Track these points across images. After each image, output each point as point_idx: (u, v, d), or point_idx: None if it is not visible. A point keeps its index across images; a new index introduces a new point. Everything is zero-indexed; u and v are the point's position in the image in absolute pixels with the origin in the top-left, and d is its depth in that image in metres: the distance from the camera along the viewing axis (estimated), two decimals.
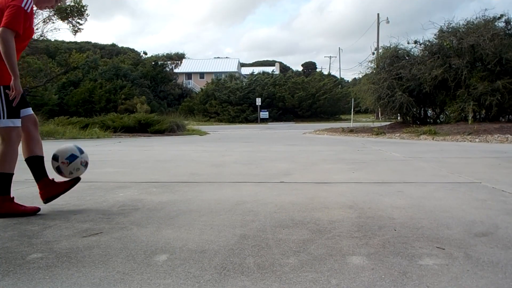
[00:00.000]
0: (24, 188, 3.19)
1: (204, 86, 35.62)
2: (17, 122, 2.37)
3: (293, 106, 30.98)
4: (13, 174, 2.41)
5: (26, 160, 2.50)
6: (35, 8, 2.47)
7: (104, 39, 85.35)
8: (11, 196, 2.41)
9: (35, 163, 2.50)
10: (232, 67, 50.43)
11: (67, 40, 37.28)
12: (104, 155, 6.32)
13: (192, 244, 1.82)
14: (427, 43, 11.89)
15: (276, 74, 37.56)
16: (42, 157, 2.53)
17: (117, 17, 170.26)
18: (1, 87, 2.30)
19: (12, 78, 2.25)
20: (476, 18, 11.15)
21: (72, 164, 2.55)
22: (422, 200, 2.71)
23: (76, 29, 15.41)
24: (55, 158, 2.55)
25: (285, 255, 1.68)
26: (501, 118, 11.09)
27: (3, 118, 2.31)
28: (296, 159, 5.39)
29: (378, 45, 24.67)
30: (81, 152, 2.63)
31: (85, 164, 2.65)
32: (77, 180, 2.61)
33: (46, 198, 2.51)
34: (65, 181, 2.57)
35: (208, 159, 5.53)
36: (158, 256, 1.67)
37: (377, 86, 12.02)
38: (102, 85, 27.23)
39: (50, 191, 2.51)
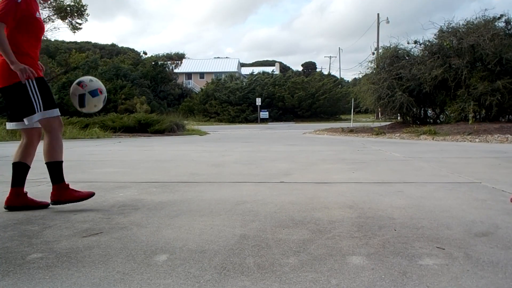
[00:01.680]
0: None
1: (204, 86, 35.63)
2: (55, 112, 2.49)
3: (293, 106, 30.99)
4: (62, 161, 2.56)
5: (14, 163, 2.54)
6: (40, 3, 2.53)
7: (105, 39, 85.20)
8: (67, 183, 2.56)
9: (22, 171, 2.55)
10: (232, 67, 50.44)
11: (67, 40, 37.36)
12: (104, 155, 6.32)
13: (192, 244, 1.82)
14: (427, 43, 11.90)
15: (276, 74, 37.58)
16: (29, 168, 2.60)
17: (119, 17, 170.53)
18: (30, 81, 2.38)
19: (10, 64, 2.31)
20: (476, 18, 11.17)
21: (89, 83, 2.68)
22: (422, 200, 2.71)
23: (75, 25, 15.40)
24: (81, 97, 2.64)
25: (285, 255, 1.68)
26: (501, 118, 11.09)
27: (40, 111, 2.42)
28: (296, 159, 5.39)
29: (378, 45, 24.67)
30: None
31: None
32: (92, 195, 2.65)
33: (8, 206, 2.52)
34: (32, 199, 2.61)
35: (208, 159, 5.53)
36: (158, 256, 1.67)
37: (377, 86, 12.02)
38: None
39: (18, 201, 2.54)
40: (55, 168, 2.51)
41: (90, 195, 2.61)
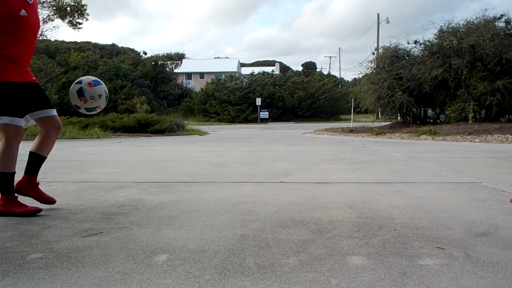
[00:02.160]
0: None
1: (204, 86, 35.64)
2: (15, 121, 2.34)
3: (293, 106, 31.00)
4: (12, 173, 2.41)
5: (30, 152, 2.51)
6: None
7: (105, 39, 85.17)
8: (15, 195, 2.44)
9: (36, 161, 2.52)
10: (232, 67, 50.46)
11: (67, 40, 37.43)
12: (104, 155, 6.32)
13: (192, 244, 1.82)
14: (427, 43, 11.90)
15: (276, 74, 37.58)
16: (45, 159, 2.55)
17: (119, 17, 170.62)
18: None
19: None
20: (476, 18, 11.17)
21: (96, 87, 2.58)
22: (422, 200, 2.71)
23: (74, 23, 15.41)
24: (78, 81, 2.58)
25: (285, 255, 1.68)
26: (501, 118, 11.09)
27: None
28: (296, 159, 5.39)
29: (378, 45, 24.68)
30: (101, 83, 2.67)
31: (107, 95, 2.66)
32: (38, 211, 2.43)
33: (16, 190, 2.46)
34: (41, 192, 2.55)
35: (208, 159, 5.53)
36: (158, 256, 1.67)
37: (377, 86, 12.03)
38: None
39: (26, 190, 2.50)
40: (1, 179, 2.36)
41: (36, 210, 2.40)
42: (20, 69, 2.39)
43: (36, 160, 2.53)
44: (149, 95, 29.29)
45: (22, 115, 2.40)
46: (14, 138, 2.37)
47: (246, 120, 30.62)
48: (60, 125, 2.57)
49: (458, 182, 3.46)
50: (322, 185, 3.34)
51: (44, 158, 2.56)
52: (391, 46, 12.56)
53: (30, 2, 2.41)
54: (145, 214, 2.39)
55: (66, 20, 15.36)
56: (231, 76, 37.74)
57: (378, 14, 33.04)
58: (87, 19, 15.72)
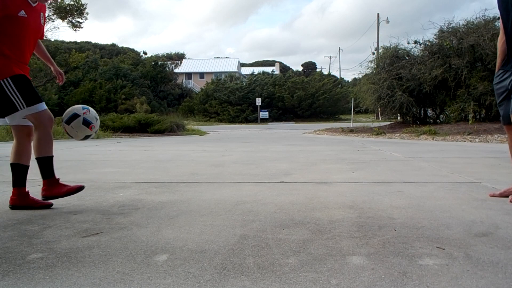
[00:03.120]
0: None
1: (204, 86, 35.65)
2: (40, 106, 2.44)
3: (293, 106, 31.01)
4: (52, 156, 2.54)
5: (10, 164, 2.55)
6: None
7: (106, 39, 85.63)
8: (57, 177, 2.57)
9: (18, 171, 2.55)
10: (232, 67, 50.47)
11: (67, 40, 37.40)
12: (104, 155, 6.32)
13: (192, 244, 1.82)
14: (427, 43, 11.90)
15: (276, 74, 37.60)
16: (27, 167, 2.59)
17: (120, 18, 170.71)
18: (5, 81, 2.32)
19: None
20: (476, 18, 11.18)
21: (92, 110, 2.79)
22: (422, 200, 2.71)
23: (75, 24, 15.45)
24: (72, 116, 2.72)
25: (285, 255, 1.68)
26: (501, 118, 11.08)
27: (24, 108, 2.38)
28: (296, 159, 5.38)
29: (378, 45, 24.69)
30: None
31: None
32: (81, 188, 2.65)
33: (12, 205, 2.54)
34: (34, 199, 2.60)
35: (208, 159, 5.53)
36: (158, 256, 1.67)
37: (377, 86, 12.03)
38: (102, 85, 27.24)
39: (20, 200, 2.55)
40: (44, 163, 2.51)
41: (79, 188, 2.60)
42: (23, 66, 2.46)
43: (19, 170, 2.56)
44: (149, 95, 29.31)
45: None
46: (49, 121, 2.49)
47: (246, 120, 30.63)
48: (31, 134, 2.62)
49: (458, 182, 3.46)
50: (322, 185, 3.34)
51: (27, 166, 2.59)
52: (391, 46, 12.57)
53: (34, 5, 2.41)
54: (145, 214, 2.39)
55: (66, 20, 15.37)
56: (231, 76, 37.76)
57: (378, 14, 33.07)
58: (86, 18, 15.75)
